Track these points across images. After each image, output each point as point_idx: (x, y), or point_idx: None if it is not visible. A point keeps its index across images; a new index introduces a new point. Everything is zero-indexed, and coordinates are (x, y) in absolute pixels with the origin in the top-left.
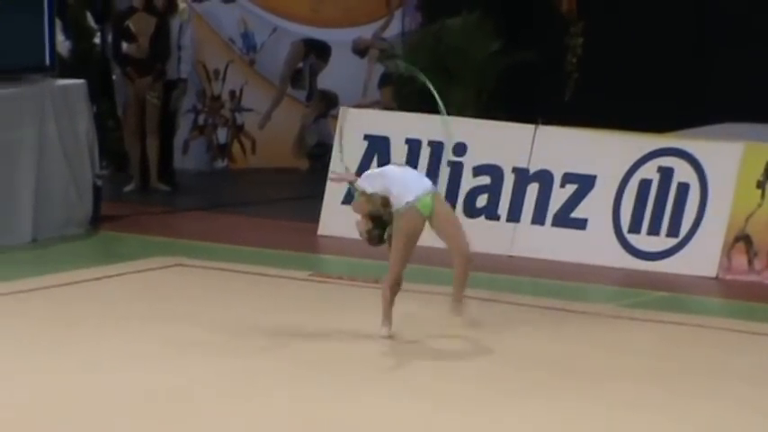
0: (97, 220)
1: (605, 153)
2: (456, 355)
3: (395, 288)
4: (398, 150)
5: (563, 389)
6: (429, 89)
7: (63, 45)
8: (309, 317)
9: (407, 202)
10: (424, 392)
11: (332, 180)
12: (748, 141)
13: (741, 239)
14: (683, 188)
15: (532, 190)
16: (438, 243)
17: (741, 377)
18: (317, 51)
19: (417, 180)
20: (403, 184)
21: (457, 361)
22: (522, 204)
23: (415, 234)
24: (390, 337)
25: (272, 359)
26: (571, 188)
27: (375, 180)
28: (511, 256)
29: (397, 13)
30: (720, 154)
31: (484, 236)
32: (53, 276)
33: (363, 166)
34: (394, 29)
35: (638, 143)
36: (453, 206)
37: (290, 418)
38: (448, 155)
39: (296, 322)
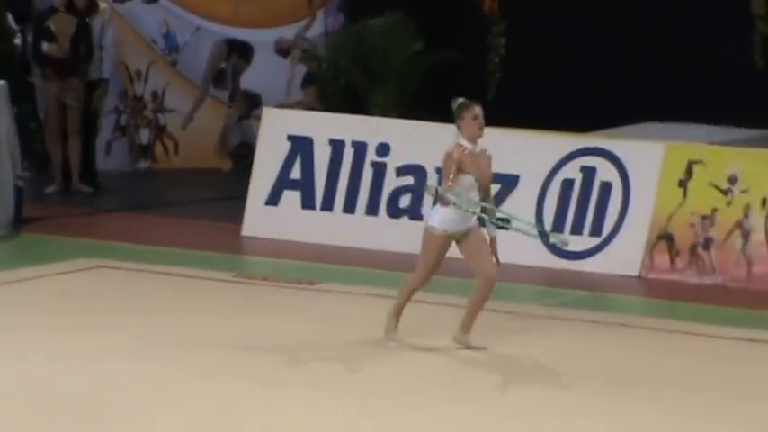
0: (19, 222)
1: (528, 153)
2: (374, 353)
3: (408, 294)
4: (322, 151)
5: (481, 389)
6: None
7: None
8: (234, 319)
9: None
10: (329, 394)
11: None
12: (670, 141)
13: (663, 238)
14: (606, 188)
15: None
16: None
17: (663, 376)
18: (240, 51)
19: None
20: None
21: (373, 359)
22: None
23: (440, 255)
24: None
25: (194, 364)
26: (494, 188)
27: None
28: None
29: (320, 14)
30: (642, 153)
31: (408, 236)
32: None
33: (286, 168)
34: (316, 29)
35: (561, 143)
36: (377, 207)
37: (205, 423)
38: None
39: (220, 325)
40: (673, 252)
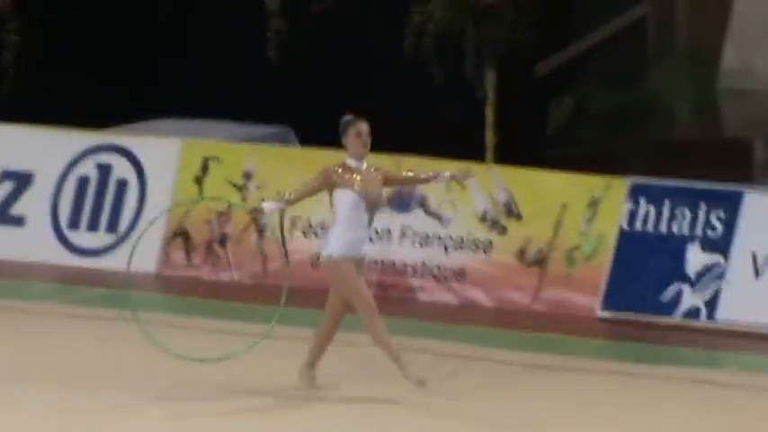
0: None
1: (43, 150)
2: None
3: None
4: None
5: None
6: None
7: None
8: None
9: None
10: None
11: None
12: (186, 137)
13: (179, 235)
14: (122, 184)
15: None
16: None
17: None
18: None
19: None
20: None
21: None
22: None
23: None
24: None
25: None
26: (9, 185)
27: None
28: None
29: None
30: (159, 150)
31: None
32: None
33: None
34: None
35: (76, 139)
36: None
37: None
38: None
39: None
40: (189, 248)
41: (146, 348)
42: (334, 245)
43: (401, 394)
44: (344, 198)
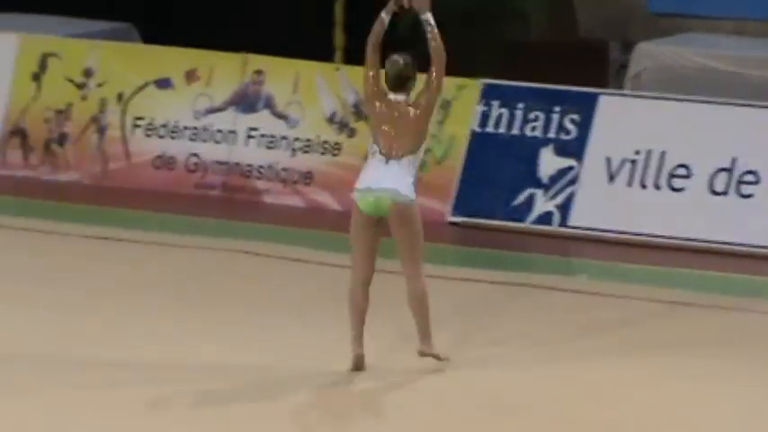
0: None
1: None
2: None
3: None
4: None
5: None
6: None
7: None
8: None
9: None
10: None
11: None
12: (23, 32)
13: (17, 134)
14: None
15: None
16: None
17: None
18: None
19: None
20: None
21: None
22: None
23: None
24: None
25: None
26: None
27: None
28: None
29: None
30: None
31: None
32: None
33: None
34: None
35: None
36: None
37: None
38: None
39: None
40: (26, 148)
41: None
42: (411, 184)
43: None
44: None
